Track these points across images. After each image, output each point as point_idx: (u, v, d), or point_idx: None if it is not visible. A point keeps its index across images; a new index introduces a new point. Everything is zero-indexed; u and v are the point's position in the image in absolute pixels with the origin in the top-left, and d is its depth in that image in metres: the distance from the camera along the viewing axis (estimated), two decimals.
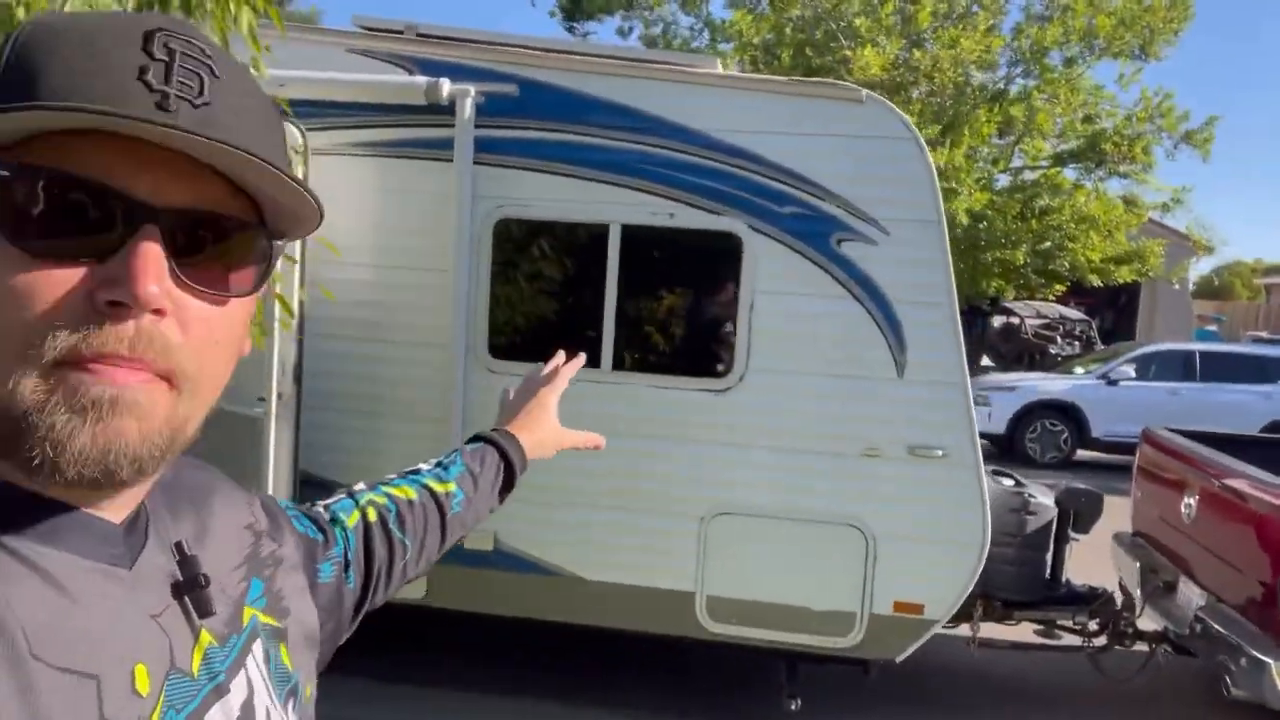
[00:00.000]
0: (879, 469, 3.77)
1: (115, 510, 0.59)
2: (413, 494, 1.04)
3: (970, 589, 3.78)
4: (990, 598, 4.53)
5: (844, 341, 3.76)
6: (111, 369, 0.52)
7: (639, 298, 3.90)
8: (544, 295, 3.97)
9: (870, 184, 3.70)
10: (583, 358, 1.35)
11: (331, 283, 3.95)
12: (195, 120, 0.52)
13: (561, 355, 1.30)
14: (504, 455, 1.16)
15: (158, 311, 0.53)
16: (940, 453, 3.73)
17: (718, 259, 3.83)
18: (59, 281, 0.51)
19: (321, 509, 0.95)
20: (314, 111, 3.88)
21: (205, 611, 0.63)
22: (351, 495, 1.00)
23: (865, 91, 3.69)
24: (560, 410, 4.30)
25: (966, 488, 3.73)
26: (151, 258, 0.52)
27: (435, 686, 4.59)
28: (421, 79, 3.75)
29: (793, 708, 3.91)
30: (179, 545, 0.64)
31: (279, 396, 3.47)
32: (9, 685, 0.50)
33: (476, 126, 3.84)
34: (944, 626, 4.56)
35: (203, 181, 0.55)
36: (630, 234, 3.85)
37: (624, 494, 3.92)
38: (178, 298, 0.54)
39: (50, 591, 0.54)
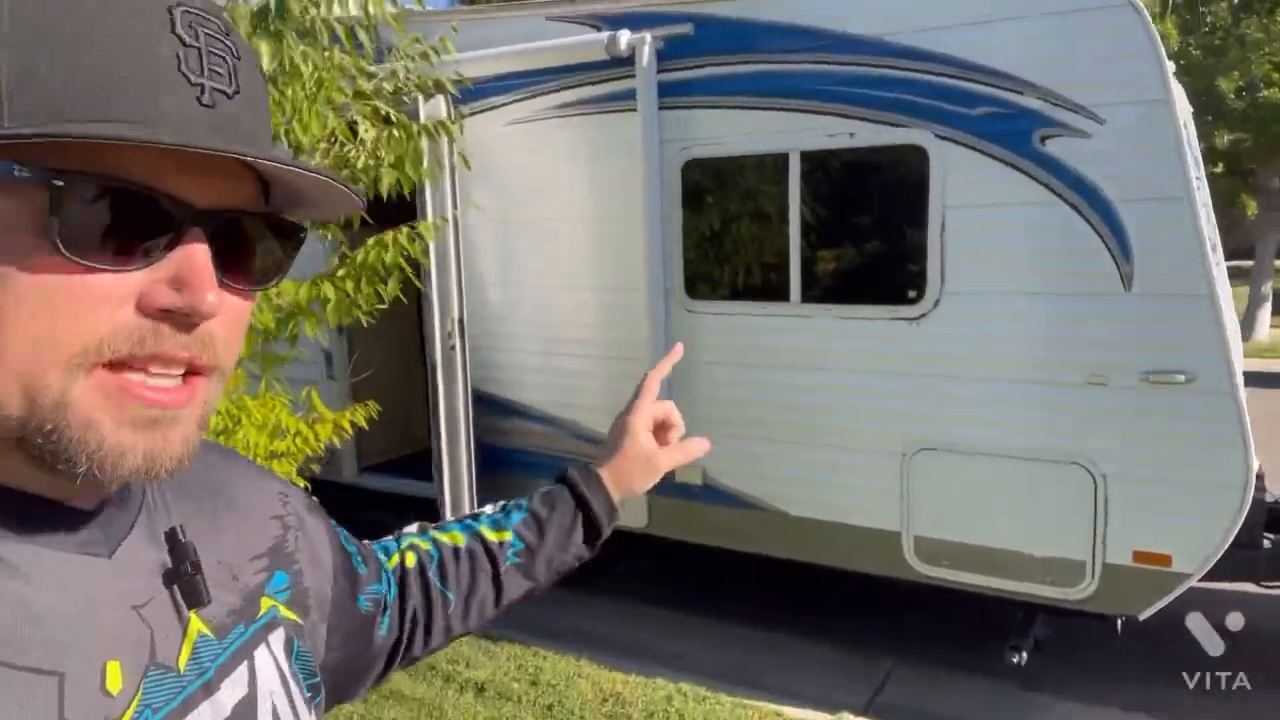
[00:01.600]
0: (1106, 399, 3.25)
1: (86, 497, 0.57)
2: (461, 541, 0.95)
3: (1230, 537, 3.14)
4: None
5: (1054, 253, 3.28)
6: (160, 390, 0.53)
7: (824, 226, 3.73)
8: (734, 232, 3.95)
9: (1077, 66, 3.16)
10: (678, 351, 1.14)
11: (534, 236, 4.31)
12: (237, 120, 0.53)
13: (652, 374, 1.09)
14: (578, 495, 0.99)
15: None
16: (1182, 377, 3.12)
17: (903, 175, 3.52)
18: (110, 288, 0.51)
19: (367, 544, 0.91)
20: (517, 82, 4.22)
21: (195, 601, 0.59)
22: (396, 538, 0.95)
23: None
24: (755, 345, 4.53)
25: (1220, 418, 3.09)
26: (205, 263, 0.52)
27: (669, 608, 4.89)
28: (603, 34, 3.89)
29: (1014, 660, 3.56)
30: (171, 532, 0.61)
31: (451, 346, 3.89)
32: None
33: (660, 71, 3.91)
34: (1265, 586, 3.86)
35: (238, 179, 0.56)
36: (810, 159, 3.68)
37: (819, 429, 3.81)
38: (221, 298, 0.55)
39: (14, 584, 0.52)
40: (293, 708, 0.67)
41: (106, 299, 0.51)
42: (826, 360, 3.75)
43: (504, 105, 4.34)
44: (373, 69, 3.42)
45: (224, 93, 0.52)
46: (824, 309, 3.74)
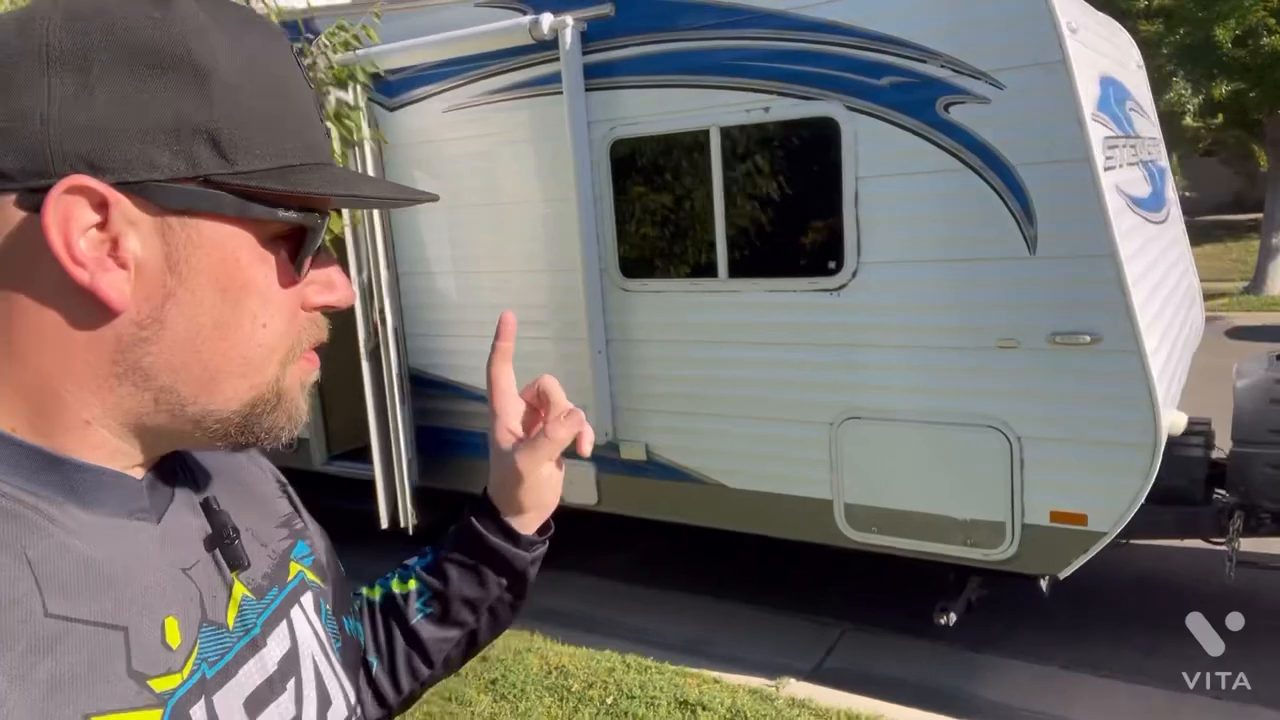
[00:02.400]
0: (1017, 361, 3.29)
1: (138, 468, 0.60)
2: (376, 595, 0.89)
3: (1142, 496, 3.17)
4: (1254, 508, 3.74)
5: (961, 220, 3.30)
6: (314, 362, 0.64)
7: (745, 201, 3.76)
8: (662, 210, 4.00)
9: (977, 31, 3.17)
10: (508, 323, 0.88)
11: (472, 223, 4.39)
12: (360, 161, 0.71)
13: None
14: (469, 528, 0.86)
15: None
16: (1087, 338, 3.14)
17: (817, 148, 3.55)
18: (296, 295, 0.61)
19: None
20: (452, 69, 4.28)
21: (237, 564, 0.64)
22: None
23: None
24: (688, 322, 4.59)
25: (1126, 378, 3.11)
26: (339, 267, 0.64)
27: (630, 582, 4.99)
28: (526, 18, 3.93)
29: (942, 621, 3.62)
30: (205, 502, 0.66)
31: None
32: (26, 642, 0.49)
33: (585, 53, 3.95)
34: (1212, 542, 3.88)
35: None
36: (729, 135, 3.71)
37: (752, 402, 3.87)
38: None
39: (77, 544, 0.55)
40: (330, 662, 0.72)
41: (297, 304, 0.61)
42: (755, 334, 3.80)
43: (441, 92, 4.39)
44: None
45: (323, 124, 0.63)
46: (750, 283, 3.79)
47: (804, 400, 3.74)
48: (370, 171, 4.25)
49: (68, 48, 0.52)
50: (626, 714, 3.47)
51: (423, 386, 4.80)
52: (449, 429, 4.78)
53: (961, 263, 3.33)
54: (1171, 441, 3.64)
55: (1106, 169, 3.24)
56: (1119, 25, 4.93)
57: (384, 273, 4.40)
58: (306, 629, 0.70)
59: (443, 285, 4.66)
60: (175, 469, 0.65)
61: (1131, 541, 4.07)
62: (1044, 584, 3.49)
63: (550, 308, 4.32)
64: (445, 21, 4.23)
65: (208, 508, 0.65)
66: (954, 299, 3.37)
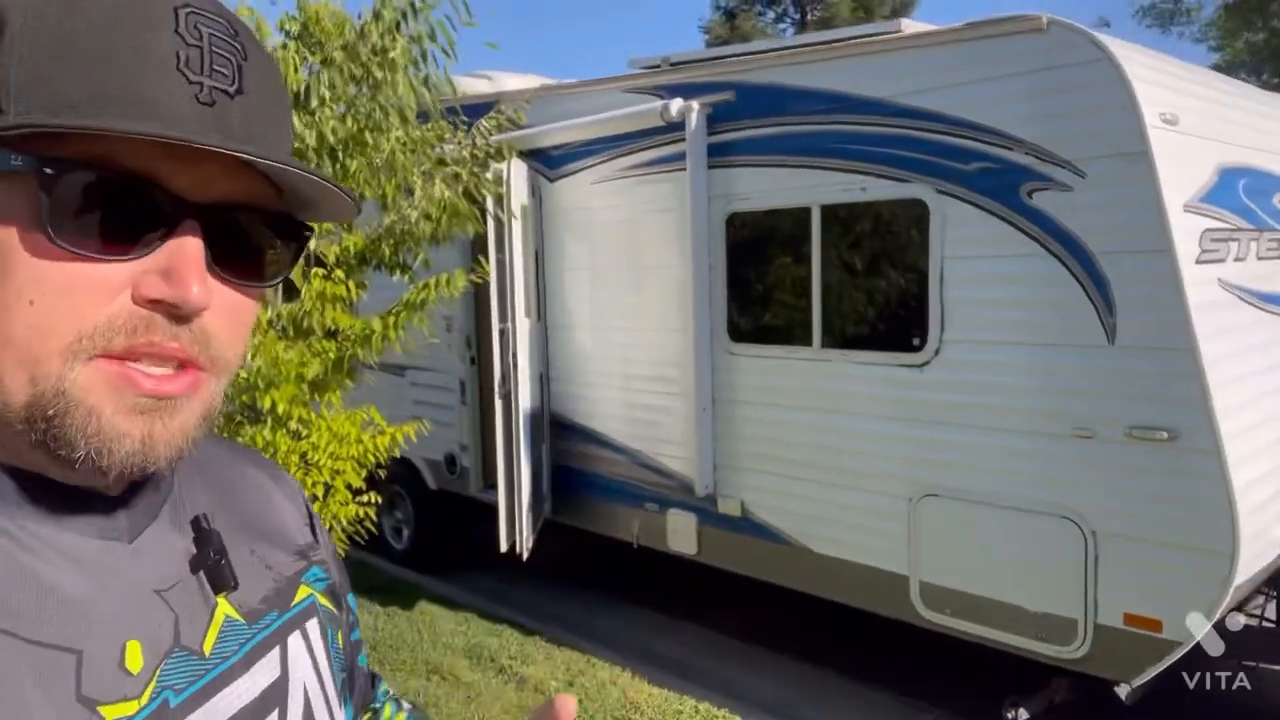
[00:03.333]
0: (1093, 452, 3.20)
1: (109, 485, 0.57)
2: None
3: (1219, 607, 2.97)
4: None
5: (1042, 305, 3.29)
6: (159, 379, 0.53)
7: (840, 275, 3.91)
8: (767, 280, 4.23)
9: (1060, 121, 3.19)
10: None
11: (609, 284, 4.82)
12: (236, 117, 0.53)
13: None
14: None
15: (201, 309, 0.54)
16: (1164, 434, 3.02)
17: (908, 228, 3.66)
18: (104, 276, 0.51)
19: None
20: (599, 147, 4.77)
21: (221, 585, 0.61)
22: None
23: (1047, 16, 3.19)
24: (783, 387, 4.96)
25: (1204, 479, 2.95)
26: (194, 256, 0.53)
27: (732, 635, 5.09)
28: (658, 103, 4.36)
29: (1010, 716, 3.49)
30: (195, 520, 0.63)
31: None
32: None
33: (710, 134, 4.30)
34: None
35: (240, 174, 0.55)
36: (829, 213, 3.90)
37: (838, 470, 3.96)
38: (216, 290, 0.55)
39: (35, 563, 0.53)
40: (324, 694, 0.68)
41: (100, 288, 0.51)
42: (843, 403, 3.92)
43: (591, 166, 4.90)
44: (448, 141, 4.11)
45: (225, 92, 0.53)
46: (841, 354, 3.92)
47: (885, 472, 3.80)
48: (519, 236, 4.81)
49: None
50: None
51: (560, 429, 5.25)
52: (580, 469, 5.19)
53: (1041, 347, 3.31)
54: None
55: (1207, 261, 3.13)
56: None
57: (525, 322, 4.92)
58: (304, 658, 0.67)
59: (582, 338, 5.11)
60: (173, 484, 0.64)
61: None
62: (1122, 692, 3.30)
63: (669, 365, 4.64)
64: (601, 104, 4.74)
65: (197, 526, 0.62)
66: (1032, 383, 3.34)
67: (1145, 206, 3.01)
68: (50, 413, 0.51)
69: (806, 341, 4.03)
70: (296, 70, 3.54)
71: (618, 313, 4.91)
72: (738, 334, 4.33)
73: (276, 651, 0.64)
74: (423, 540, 6.27)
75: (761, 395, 4.25)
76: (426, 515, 6.22)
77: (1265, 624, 3.76)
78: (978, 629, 3.57)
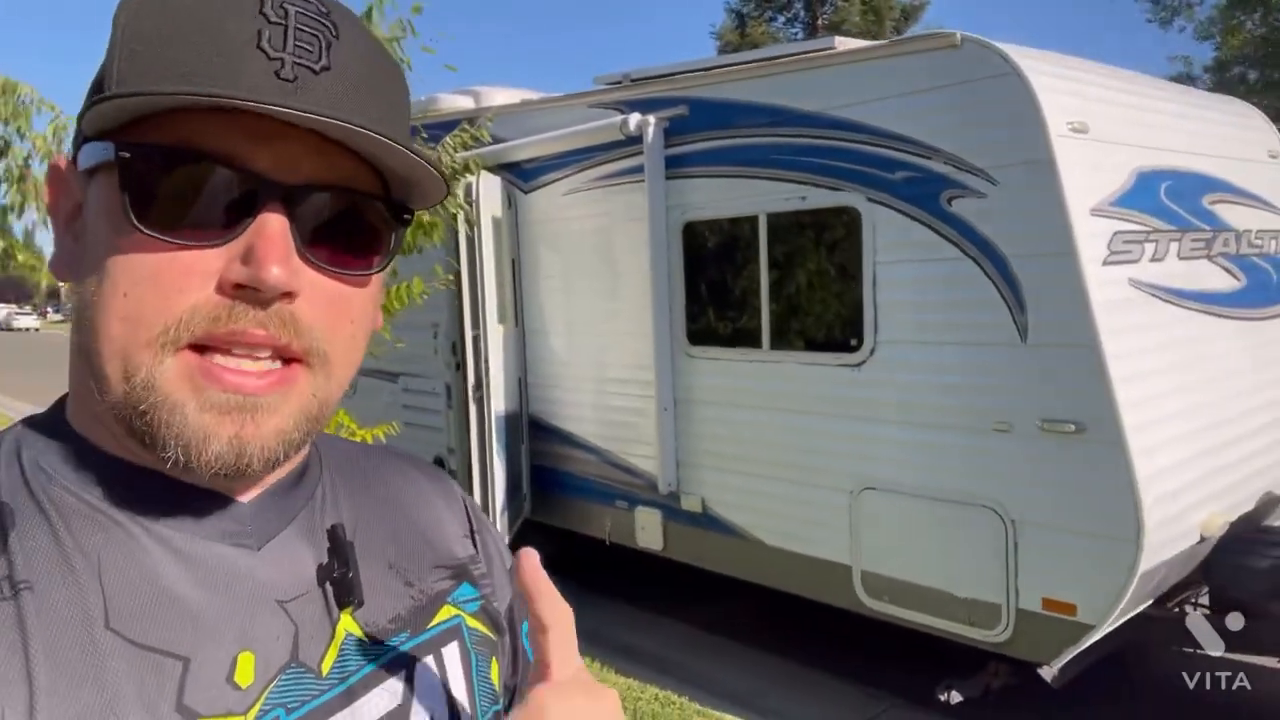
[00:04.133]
0: (1012, 446, 3.37)
1: (243, 489, 0.56)
2: None
3: (1130, 592, 3.12)
4: None
5: (962, 306, 3.46)
6: (243, 375, 0.51)
7: (786, 279, 4.11)
8: (721, 286, 4.42)
9: (975, 131, 3.37)
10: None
11: (580, 291, 5.03)
12: (319, 91, 0.51)
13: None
14: None
15: (288, 294, 0.51)
16: (1072, 427, 3.18)
17: (844, 234, 3.84)
18: (189, 264, 0.50)
19: None
20: (569, 160, 5.00)
21: (347, 600, 0.58)
22: None
23: (960, 34, 3.37)
24: (738, 388, 5.22)
25: (1109, 469, 3.11)
26: (277, 238, 0.51)
27: (707, 630, 5.28)
28: (618, 118, 4.58)
29: (943, 698, 3.66)
30: (332, 529, 0.60)
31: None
32: (72, 655, 0.48)
33: (667, 147, 4.51)
34: None
35: (329, 154, 0.53)
36: (774, 221, 4.10)
37: (786, 466, 4.15)
38: (310, 278, 0.53)
39: (154, 563, 0.52)
40: None
41: (187, 276, 0.50)
42: (790, 402, 4.11)
43: (561, 179, 5.13)
44: None
45: (309, 68, 0.51)
46: (788, 355, 4.11)
47: (829, 467, 3.98)
48: (490, 246, 5.04)
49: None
50: None
51: (538, 431, 5.48)
52: (556, 469, 5.41)
53: (962, 346, 3.48)
54: (1230, 548, 3.53)
55: (1117, 262, 3.29)
56: (1255, 114, 4.75)
57: (498, 329, 5.15)
58: (434, 683, 0.62)
59: (557, 343, 5.34)
60: (316, 489, 0.62)
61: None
62: (1047, 674, 3.46)
63: (635, 368, 4.85)
64: (569, 119, 4.97)
65: (333, 535, 0.60)
66: (955, 380, 3.52)
67: (1050, 212, 3.18)
68: (141, 408, 0.51)
69: (757, 344, 4.22)
70: None
71: (589, 318, 5.12)
72: (696, 337, 4.53)
73: (401, 676, 0.60)
74: None
75: (718, 396, 4.45)
76: None
77: (1201, 610, 3.90)
78: (913, 615, 3.74)
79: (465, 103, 5.94)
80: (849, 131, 3.74)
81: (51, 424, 0.57)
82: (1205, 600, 3.85)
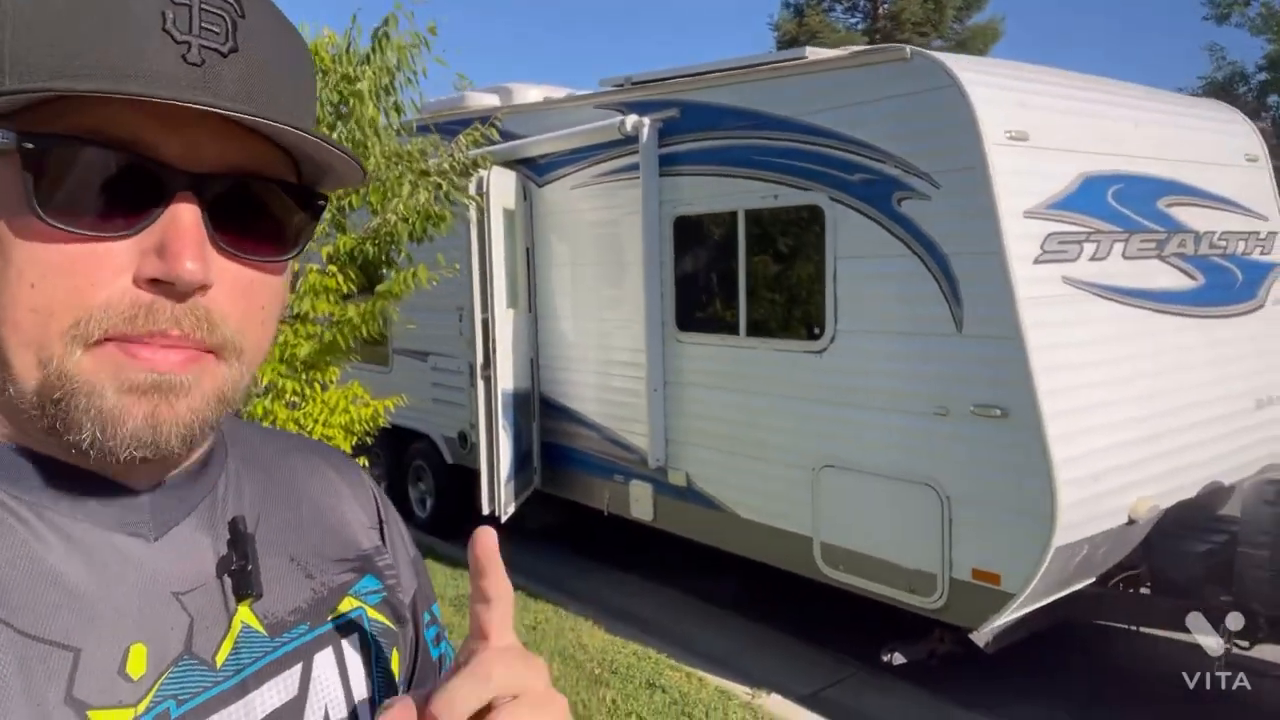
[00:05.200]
0: (948, 428, 3.66)
1: (143, 477, 0.55)
2: None
3: (1045, 565, 3.40)
4: (1248, 610, 3.71)
5: (908, 299, 3.76)
6: (158, 351, 0.51)
7: (761, 271, 4.44)
8: (706, 276, 4.77)
9: (921, 139, 3.66)
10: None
11: (585, 279, 5.43)
12: (227, 76, 0.50)
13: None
14: None
15: (202, 287, 0.51)
16: (998, 411, 3.47)
17: (810, 231, 4.16)
18: (100, 256, 0.49)
19: None
20: (577, 156, 5.38)
21: (245, 592, 0.57)
22: None
23: (911, 48, 3.66)
24: (718, 371, 5.79)
25: (1029, 451, 3.39)
26: (190, 230, 0.50)
27: (697, 596, 5.63)
28: (617, 119, 4.94)
29: (885, 659, 3.98)
30: (233, 521, 0.59)
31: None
32: None
33: (661, 146, 4.87)
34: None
35: (240, 139, 0.52)
36: (751, 217, 4.43)
37: (758, 444, 4.49)
38: (222, 267, 0.52)
39: (46, 551, 0.51)
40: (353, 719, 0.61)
41: (98, 268, 0.49)
42: (762, 385, 4.45)
43: (570, 174, 5.51)
44: (431, 155, 4.78)
45: (217, 50, 0.50)
46: (761, 341, 4.45)
47: (794, 446, 4.31)
48: (500, 236, 5.46)
49: None
50: (599, 680, 4.24)
51: (548, 409, 5.90)
52: (563, 445, 5.83)
53: (907, 336, 3.78)
54: (1166, 532, 3.79)
55: (1050, 261, 3.56)
56: (1236, 118, 4.92)
57: (508, 313, 5.58)
58: (332, 677, 0.61)
59: (565, 327, 5.74)
60: (217, 481, 0.61)
61: (1142, 630, 4.15)
62: (980, 640, 3.75)
63: (631, 351, 5.23)
64: (578, 118, 5.35)
65: (234, 528, 0.59)
66: (902, 367, 3.82)
67: (983, 214, 3.46)
68: (56, 396, 0.50)
69: (735, 331, 4.56)
70: None
71: (593, 305, 5.51)
72: (684, 324, 4.89)
73: (298, 669, 0.59)
74: (442, 509, 7.00)
75: (702, 378, 4.80)
76: (444, 486, 6.94)
77: (1141, 591, 4.14)
78: (864, 583, 4.07)
79: (492, 100, 6.37)
80: (816, 135, 4.05)
81: None
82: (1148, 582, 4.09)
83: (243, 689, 0.56)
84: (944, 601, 3.74)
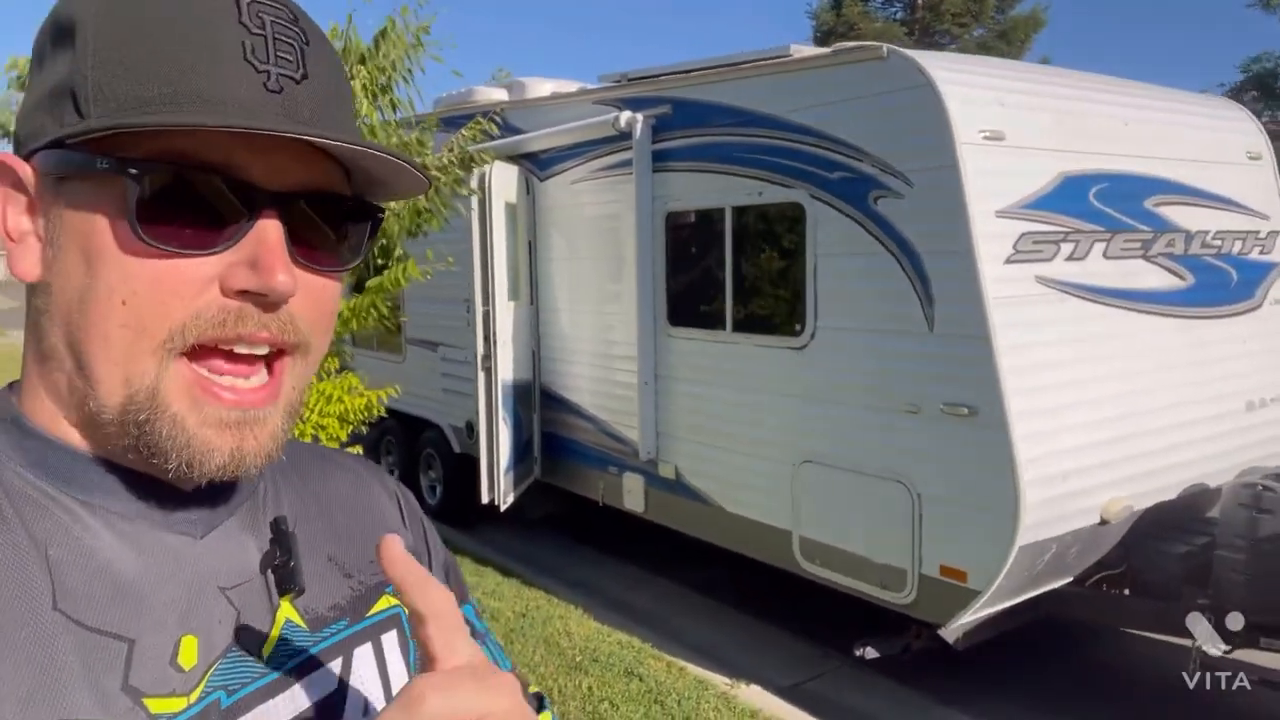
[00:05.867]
0: (919, 426, 3.68)
1: (192, 482, 0.57)
2: None
3: (1008, 563, 3.41)
4: (1221, 612, 3.70)
5: (883, 297, 3.78)
6: (238, 390, 0.55)
7: (746, 267, 4.48)
8: (695, 271, 4.82)
9: (896, 137, 3.67)
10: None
11: (584, 273, 5.51)
12: (303, 100, 0.54)
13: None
14: None
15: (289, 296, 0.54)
16: (966, 410, 3.49)
17: (792, 228, 4.19)
18: (188, 271, 0.53)
19: None
20: (575, 151, 5.46)
21: (287, 588, 0.60)
22: None
23: (887, 47, 3.67)
24: (706, 366, 5.92)
25: (994, 449, 3.41)
26: (278, 247, 0.54)
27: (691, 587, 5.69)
28: (611, 115, 5.01)
29: (857, 653, 4.01)
30: (276, 521, 0.63)
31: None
32: (20, 634, 0.49)
33: (654, 142, 4.92)
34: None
35: (312, 160, 0.56)
36: (737, 213, 4.47)
37: (742, 439, 4.54)
38: (300, 277, 0.56)
39: (101, 547, 0.54)
40: None
41: (188, 283, 0.53)
42: (747, 380, 4.49)
43: (570, 169, 5.59)
44: (430, 150, 4.89)
45: (291, 78, 0.54)
46: (745, 337, 4.50)
47: (776, 440, 4.36)
48: (501, 230, 5.56)
49: (37, 45, 0.57)
50: (579, 667, 4.33)
51: (548, 400, 5.99)
52: (562, 436, 5.92)
53: (882, 334, 3.81)
54: (1145, 533, 3.79)
55: (1023, 261, 3.56)
56: (1241, 115, 4.85)
57: (508, 305, 5.68)
58: (371, 673, 0.64)
59: (564, 320, 5.83)
60: (258, 486, 0.64)
61: (1125, 630, 4.15)
62: (949, 636, 3.77)
63: (625, 345, 5.30)
64: (577, 114, 5.42)
65: (276, 526, 0.62)
66: (876, 365, 3.85)
67: (953, 213, 3.47)
68: (142, 418, 0.53)
69: (721, 326, 4.62)
70: None
71: (591, 298, 5.59)
72: (674, 318, 4.95)
73: (339, 663, 0.62)
74: (450, 497, 7.13)
75: (690, 373, 4.86)
76: (452, 475, 7.07)
77: (1122, 592, 4.13)
78: (838, 577, 4.10)
79: (500, 95, 6.46)
80: (798, 133, 4.08)
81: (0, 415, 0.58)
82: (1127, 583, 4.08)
83: (287, 681, 0.59)
84: (914, 597, 3.77)
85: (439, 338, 6.86)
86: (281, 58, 0.54)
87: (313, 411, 4.57)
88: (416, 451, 7.40)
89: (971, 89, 3.59)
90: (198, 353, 0.54)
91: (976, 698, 4.32)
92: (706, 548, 5.36)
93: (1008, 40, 25.32)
